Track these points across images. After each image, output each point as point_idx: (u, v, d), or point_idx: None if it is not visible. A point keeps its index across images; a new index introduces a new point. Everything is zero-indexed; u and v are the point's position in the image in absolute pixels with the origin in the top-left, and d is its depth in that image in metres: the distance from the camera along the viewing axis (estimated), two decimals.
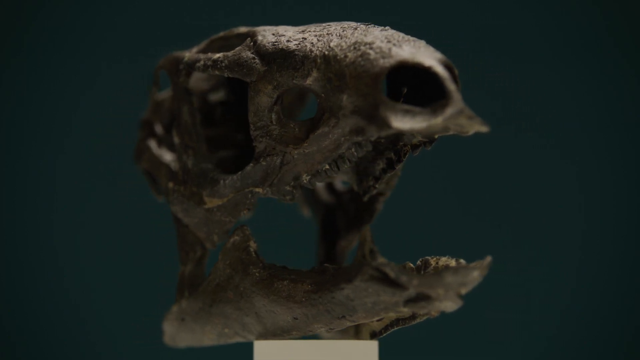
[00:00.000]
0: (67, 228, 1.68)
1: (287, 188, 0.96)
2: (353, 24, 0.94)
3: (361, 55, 0.89)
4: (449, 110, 0.84)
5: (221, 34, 1.04)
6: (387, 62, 0.87)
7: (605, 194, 1.68)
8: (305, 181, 0.95)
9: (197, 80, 1.14)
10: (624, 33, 1.68)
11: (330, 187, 1.17)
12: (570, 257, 1.67)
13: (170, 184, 1.07)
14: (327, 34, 0.93)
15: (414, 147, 0.97)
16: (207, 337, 1.06)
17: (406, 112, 0.85)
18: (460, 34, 1.67)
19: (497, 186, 1.68)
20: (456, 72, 0.90)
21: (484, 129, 0.86)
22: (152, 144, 1.13)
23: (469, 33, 1.67)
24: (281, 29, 0.98)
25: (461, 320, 1.59)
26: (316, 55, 0.92)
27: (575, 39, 1.68)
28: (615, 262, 1.67)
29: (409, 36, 0.91)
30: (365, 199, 1.04)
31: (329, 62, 0.91)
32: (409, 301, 0.88)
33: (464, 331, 1.61)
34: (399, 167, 0.98)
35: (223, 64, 0.99)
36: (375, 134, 0.88)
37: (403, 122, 0.85)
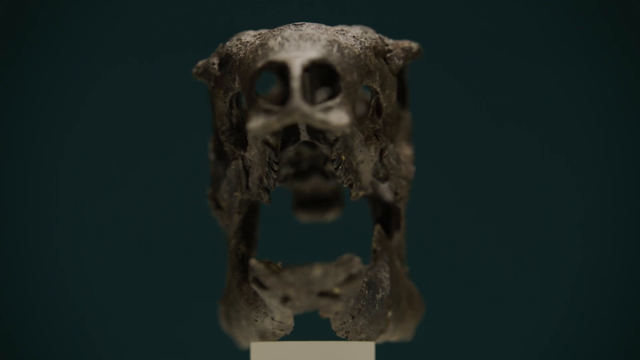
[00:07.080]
0: (72, 231, 1.68)
1: (260, 191, 0.95)
2: (291, 24, 0.91)
3: (253, 57, 0.88)
4: (283, 109, 0.83)
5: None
6: (259, 63, 0.86)
7: (605, 193, 1.68)
8: (265, 183, 0.94)
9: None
10: (624, 31, 1.68)
11: None
12: (570, 257, 1.67)
13: (209, 190, 1.07)
14: (263, 36, 0.92)
15: (331, 145, 0.94)
16: (240, 339, 1.05)
17: (265, 112, 0.84)
18: (460, 33, 1.67)
19: (497, 186, 1.68)
20: (338, 70, 0.87)
21: (329, 127, 0.83)
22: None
23: (468, 32, 1.67)
24: (247, 33, 0.97)
25: (460, 320, 1.59)
26: (238, 59, 0.92)
27: (575, 38, 1.68)
28: (615, 262, 1.67)
29: (317, 33, 0.88)
30: (352, 199, 1.02)
31: (240, 65, 0.91)
32: (284, 300, 0.87)
33: (463, 331, 1.61)
34: (338, 166, 0.95)
35: (200, 71, 0.99)
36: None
37: (256, 122, 0.84)
